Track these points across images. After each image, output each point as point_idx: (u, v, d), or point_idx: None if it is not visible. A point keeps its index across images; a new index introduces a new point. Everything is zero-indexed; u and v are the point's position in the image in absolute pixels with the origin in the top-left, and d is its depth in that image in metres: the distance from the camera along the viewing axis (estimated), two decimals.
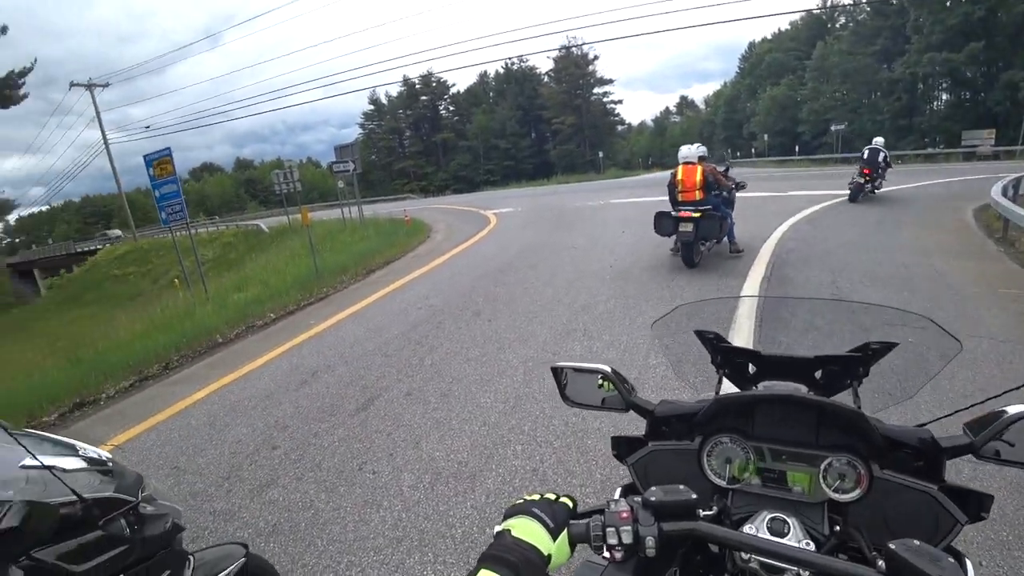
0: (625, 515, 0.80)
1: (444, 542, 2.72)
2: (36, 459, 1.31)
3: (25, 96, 30.86)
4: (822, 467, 0.97)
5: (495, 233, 13.45)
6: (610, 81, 67.95)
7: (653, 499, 0.81)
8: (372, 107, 73.41)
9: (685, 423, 1.12)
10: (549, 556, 0.77)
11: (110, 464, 1.54)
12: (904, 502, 0.95)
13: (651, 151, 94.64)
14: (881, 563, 0.73)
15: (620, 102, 74.85)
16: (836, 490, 0.96)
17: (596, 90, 67.52)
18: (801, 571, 0.80)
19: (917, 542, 0.70)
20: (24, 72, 30.56)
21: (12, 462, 1.32)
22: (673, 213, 7.22)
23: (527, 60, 71.45)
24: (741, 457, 1.03)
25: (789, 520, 0.90)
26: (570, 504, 0.86)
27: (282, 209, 26.71)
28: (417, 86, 71.17)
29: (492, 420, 3.86)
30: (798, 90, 50.04)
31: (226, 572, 1.79)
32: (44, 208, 78.28)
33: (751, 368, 1.32)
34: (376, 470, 3.46)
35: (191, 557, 1.70)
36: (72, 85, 36.54)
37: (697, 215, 6.99)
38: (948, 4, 39.79)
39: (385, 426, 4.02)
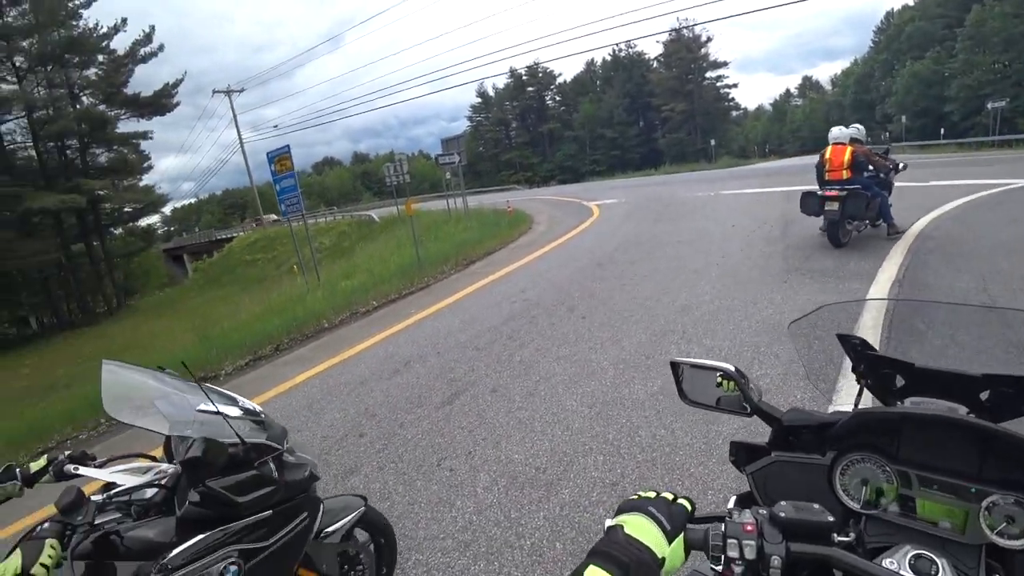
0: (750, 528, 0.75)
1: (512, 552, 2.60)
2: (212, 405, 1.57)
3: (178, 104, 35.01)
4: (984, 504, 0.84)
5: (597, 225, 13.08)
6: (724, 64, 64.26)
7: (783, 515, 0.76)
8: (479, 100, 74.93)
9: (817, 435, 1.02)
10: (663, 559, 0.72)
11: (262, 416, 1.78)
12: None
13: (768, 137, 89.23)
14: None
15: (735, 86, 70.36)
16: (1000, 534, 0.82)
17: (709, 74, 64.19)
18: None
19: None
20: (177, 83, 34.67)
21: (190, 407, 1.59)
22: (819, 192, 7.27)
23: (635, 46, 69.38)
24: (882, 480, 0.93)
25: (938, 560, 0.79)
26: (688, 507, 0.82)
27: (393, 200, 27.98)
28: (524, 77, 71.52)
29: (576, 425, 3.67)
30: (946, 64, 44.26)
31: (348, 519, 2.04)
32: (192, 200, 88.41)
33: (899, 381, 1.16)
34: (453, 467, 3.41)
35: (323, 503, 1.89)
36: (214, 92, 40.89)
37: (843, 194, 7.00)
38: None
39: (468, 422, 3.97)
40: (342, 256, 21.27)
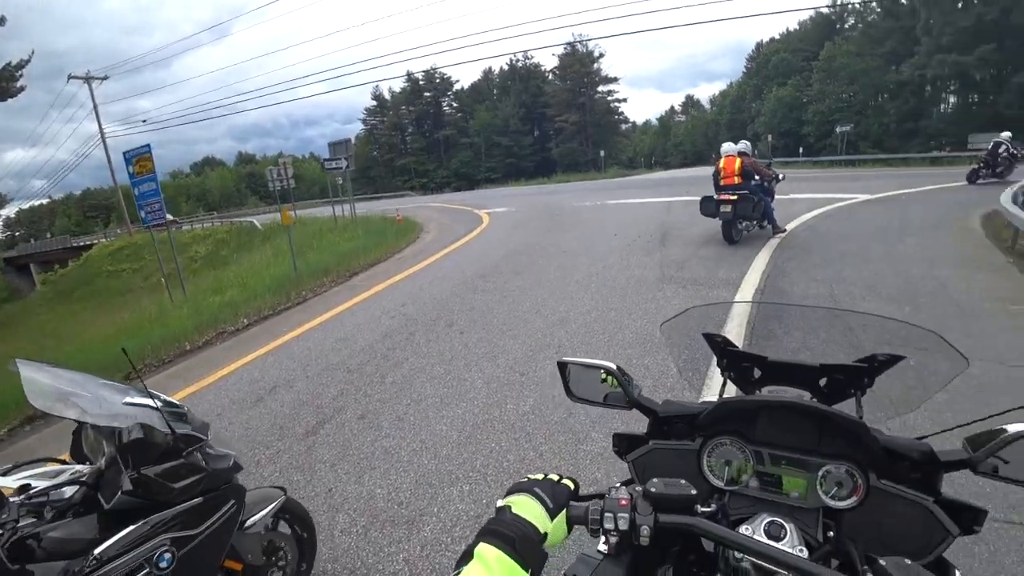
0: (624, 502, 0.82)
1: None
2: (139, 398, 1.66)
3: (23, 88, 30.54)
4: (820, 474, 0.99)
5: (486, 234, 13.07)
6: (615, 79, 67.29)
7: (653, 490, 0.84)
8: (375, 103, 73.13)
9: (687, 423, 1.14)
10: (546, 534, 0.80)
11: (184, 409, 1.82)
12: (899, 512, 0.97)
13: (655, 150, 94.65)
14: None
15: (624, 100, 74.35)
16: (832, 497, 0.98)
17: (600, 88, 67.01)
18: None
19: (908, 561, 0.74)
20: (22, 64, 30.21)
21: (116, 400, 1.64)
22: (716, 197, 8.54)
23: (532, 57, 71.07)
24: (740, 459, 1.05)
25: (787, 525, 0.91)
26: (572, 486, 0.89)
27: (279, 206, 26.37)
28: (421, 82, 70.80)
29: (443, 452, 3.51)
30: (804, 91, 49.51)
31: (269, 509, 2.09)
32: (44, 201, 78.20)
33: (756, 373, 1.32)
34: (311, 508, 3.11)
35: (246, 492, 1.94)
36: (70, 78, 36.05)
37: (735, 198, 8.28)
38: (960, 5, 39.32)
39: (331, 455, 3.68)
40: (218, 266, 19.70)
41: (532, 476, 0.90)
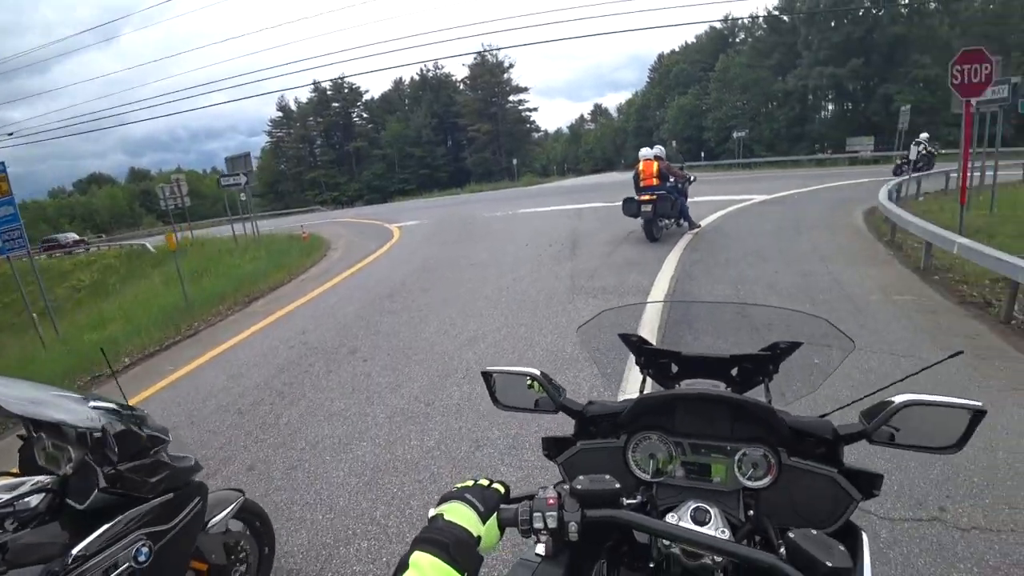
0: (552, 501, 0.84)
1: None
2: (102, 402, 1.75)
3: None
4: (737, 457, 1.06)
5: (395, 249, 12.63)
6: (525, 89, 67.96)
7: (579, 487, 0.86)
8: (281, 114, 69.98)
9: (611, 422, 1.17)
10: (479, 537, 0.81)
11: (144, 413, 1.87)
12: (809, 485, 1.04)
13: (567, 157, 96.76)
14: (783, 551, 0.80)
15: (535, 110, 75.62)
16: (750, 478, 1.05)
17: (512, 98, 67.69)
18: (715, 556, 0.84)
19: (815, 531, 0.79)
20: None
21: (82, 406, 1.70)
22: (636, 198, 9.27)
23: (442, 67, 70.77)
24: (663, 452, 1.10)
25: (711, 509, 0.92)
26: (502, 490, 0.91)
27: (180, 224, 24.47)
28: (328, 92, 68.55)
29: (340, 504, 3.15)
30: (703, 99, 52.39)
31: (229, 509, 2.14)
32: None
33: (673, 368, 1.37)
34: None
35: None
36: None
37: (654, 198, 9.05)
38: (832, 24, 43.17)
39: None
40: (105, 296, 17.91)
41: (462, 484, 0.90)
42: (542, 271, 7.98)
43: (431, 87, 70.87)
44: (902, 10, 41.59)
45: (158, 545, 1.67)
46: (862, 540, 1.00)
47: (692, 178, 10.74)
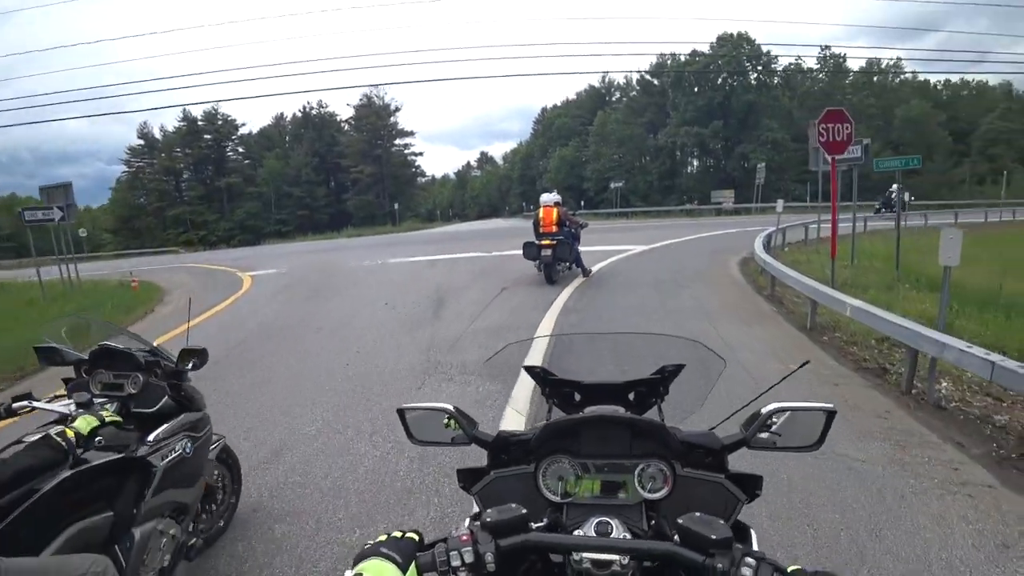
0: (465, 538, 0.87)
1: None
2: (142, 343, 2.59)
3: None
4: (637, 473, 1.14)
5: (238, 305, 10.57)
6: (411, 133, 67.30)
7: (489, 519, 0.90)
8: (142, 142, 63.05)
9: (522, 449, 1.23)
10: None
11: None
12: (701, 492, 1.14)
13: (453, 203, 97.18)
14: (677, 538, 0.87)
15: (421, 154, 74.15)
16: (650, 491, 1.13)
17: (398, 141, 66.65)
18: (622, 559, 0.89)
19: (699, 514, 0.87)
20: None
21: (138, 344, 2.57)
22: (537, 242, 9.56)
23: (326, 106, 68.48)
24: (571, 473, 1.16)
25: (612, 521, 0.98)
26: (416, 537, 0.91)
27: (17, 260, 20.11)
28: (200, 122, 63.22)
29: None
30: (583, 151, 54.70)
31: (218, 443, 2.78)
32: None
33: (576, 396, 1.44)
34: None
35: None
36: None
37: (554, 243, 9.43)
38: (696, 89, 47.29)
39: None
40: None
41: (375, 540, 0.89)
42: (394, 340, 6.58)
43: (314, 125, 68.16)
44: (753, 81, 46.47)
45: (194, 445, 2.35)
46: (751, 536, 1.14)
47: (586, 224, 11.25)
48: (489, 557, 0.85)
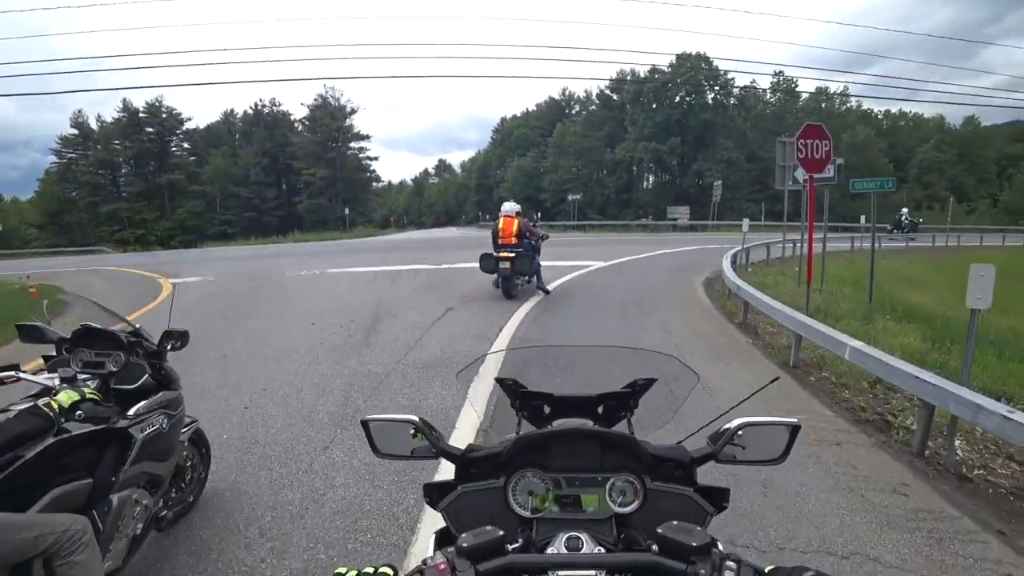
0: (443, 567, 0.84)
1: None
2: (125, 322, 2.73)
3: None
4: (607, 487, 1.13)
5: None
6: (367, 137, 65.41)
7: (465, 545, 0.86)
8: (76, 132, 58.71)
9: (491, 463, 1.20)
10: None
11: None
12: (671, 505, 1.14)
13: (410, 209, 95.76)
14: (655, 547, 0.88)
15: (376, 159, 72.32)
16: (620, 504, 1.12)
17: (353, 144, 64.67)
18: (598, 573, 0.88)
19: (676, 522, 0.88)
20: None
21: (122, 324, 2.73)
22: (495, 254, 8.97)
23: (280, 104, 65.92)
24: (541, 488, 1.13)
25: (582, 536, 0.97)
26: (390, 573, 0.88)
27: None
28: (142, 114, 59.45)
29: None
30: (541, 163, 54.39)
31: (190, 425, 2.94)
32: None
33: (546, 409, 1.45)
34: None
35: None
36: None
37: (513, 256, 8.84)
38: (654, 106, 47.67)
39: None
40: None
41: (345, 570, 0.86)
42: (311, 375, 5.41)
43: (265, 124, 65.52)
44: (710, 101, 47.18)
45: (171, 422, 2.51)
46: (717, 547, 1.09)
47: (546, 236, 10.63)
48: None
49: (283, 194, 63.57)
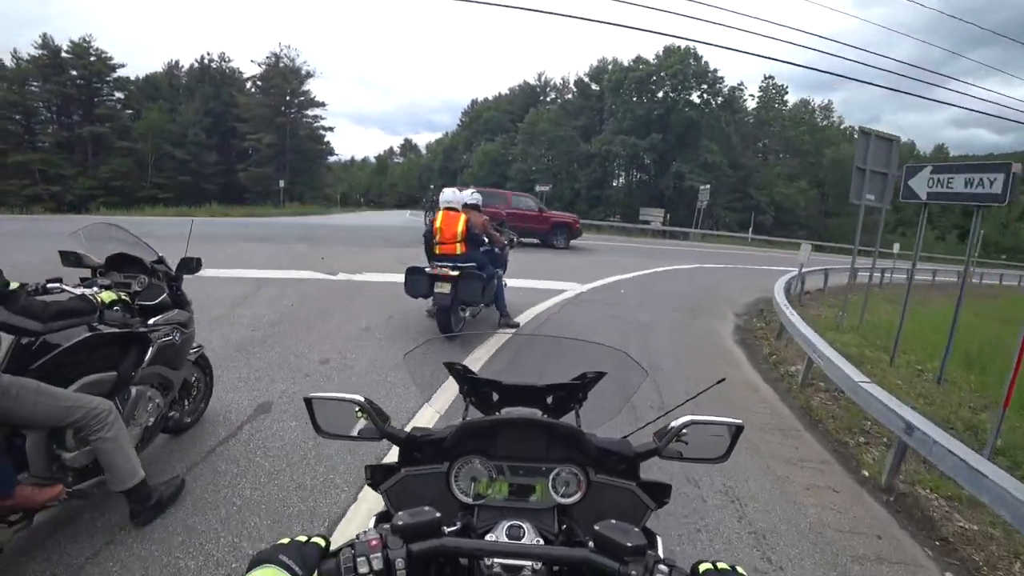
0: (375, 543, 0.82)
1: None
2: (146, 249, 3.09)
3: None
4: (551, 477, 1.15)
5: None
6: (322, 104, 59.95)
7: (400, 523, 0.86)
8: None
9: (436, 448, 1.20)
10: None
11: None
12: (613, 498, 1.16)
13: (371, 188, 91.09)
14: (591, 544, 0.87)
15: (331, 129, 65.99)
16: (563, 495, 1.15)
17: (309, 113, 59.32)
18: (534, 564, 0.88)
19: (614, 521, 0.88)
20: None
21: (148, 252, 3.07)
22: (428, 269, 5.86)
23: (230, 60, 60.16)
24: (484, 475, 1.15)
25: (524, 525, 0.97)
26: (322, 543, 0.86)
27: None
28: (66, 53, 52.68)
29: None
30: (509, 149, 50.94)
31: (197, 349, 3.41)
32: None
33: (494, 396, 1.45)
34: None
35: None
36: None
37: (455, 274, 5.71)
38: (636, 99, 44.65)
39: None
40: None
41: (278, 542, 0.84)
42: None
43: (212, 80, 59.61)
44: (696, 99, 44.45)
45: (183, 337, 2.95)
46: (657, 541, 1.17)
47: (514, 239, 7.45)
48: (400, 563, 0.81)
49: (226, 160, 57.90)
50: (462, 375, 1.49)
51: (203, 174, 54.61)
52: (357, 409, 1.21)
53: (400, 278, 5.97)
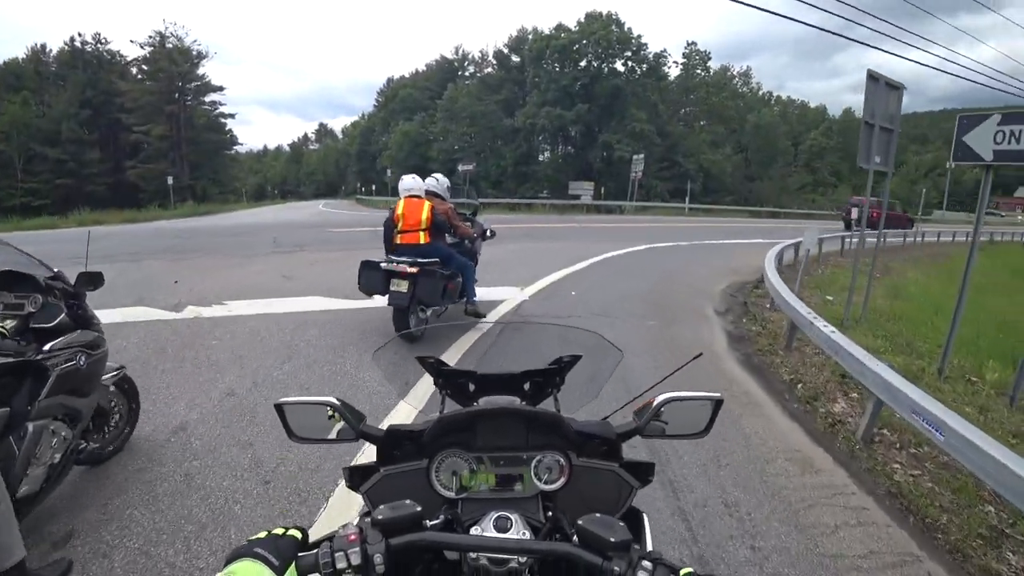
0: (353, 537, 0.80)
1: None
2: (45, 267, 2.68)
3: None
4: (533, 464, 1.08)
5: None
6: (220, 88, 54.45)
7: (380, 517, 0.83)
8: None
9: (414, 444, 1.14)
10: None
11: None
12: (597, 481, 1.11)
13: (287, 179, 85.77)
14: (575, 538, 0.84)
15: (232, 116, 60.31)
16: (546, 482, 1.08)
17: (205, 100, 53.64)
18: (519, 558, 0.84)
19: (599, 515, 0.85)
20: None
21: (39, 269, 2.66)
22: (383, 265, 5.27)
23: (108, 42, 53.36)
24: (466, 468, 1.08)
25: (512, 516, 0.93)
26: (299, 535, 0.83)
27: None
28: None
29: None
30: (429, 128, 48.26)
31: (115, 372, 3.01)
32: None
33: (470, 387, 1.39)
34: None
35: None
36: None
37: (414, 270, 5.14)
38: (558, 68, 42.78)
39: None
40: None
41: (254, 536, 0.80)
42: None
43: (88, 65, 52.72)
44: (620, 67, 43.08)
45: (89, 360, 2.55)
46: (643, 520, 1.17)
47: (488, 233, 6.62)
48: (378, 558, 0.79)
49: (111, 156, 51.69)
50: (436, 368, 1.43)
51: (85, 175, 48.41)
52: (330, 411, 1.14)
53: (284, 305, 5.34)
